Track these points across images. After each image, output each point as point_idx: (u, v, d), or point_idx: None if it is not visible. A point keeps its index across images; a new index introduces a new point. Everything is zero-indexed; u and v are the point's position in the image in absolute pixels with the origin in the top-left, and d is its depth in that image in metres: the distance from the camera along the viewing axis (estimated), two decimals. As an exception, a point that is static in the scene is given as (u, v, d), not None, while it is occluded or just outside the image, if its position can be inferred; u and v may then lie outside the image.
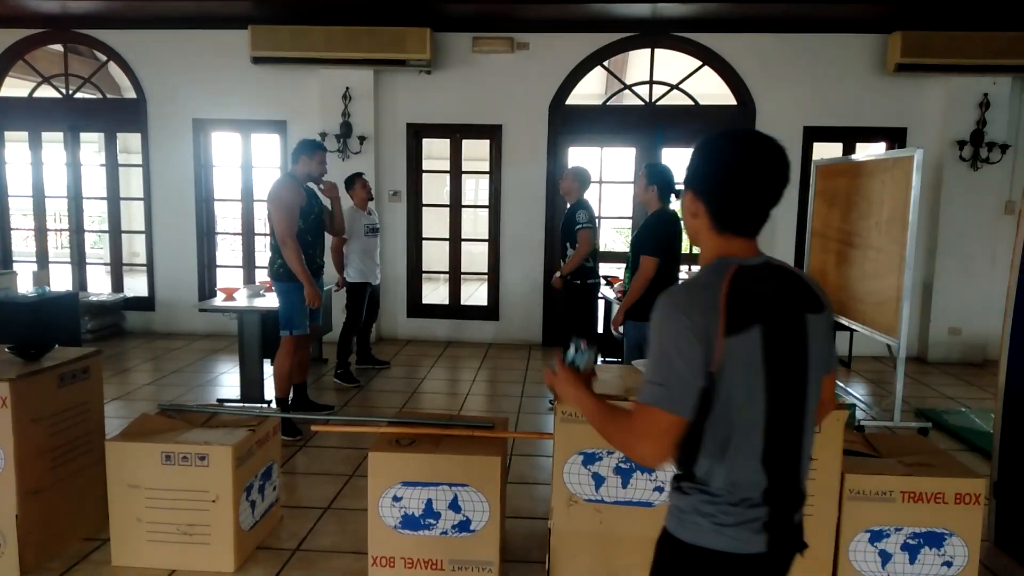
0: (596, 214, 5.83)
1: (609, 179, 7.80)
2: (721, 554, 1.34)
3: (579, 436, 2.66)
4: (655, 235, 3.94)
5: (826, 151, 6.92)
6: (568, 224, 4.94)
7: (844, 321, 5.51)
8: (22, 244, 8.01)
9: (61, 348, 3.15)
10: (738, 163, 1.36)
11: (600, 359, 5.89)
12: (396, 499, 2.79)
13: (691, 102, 6.96)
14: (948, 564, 2.66)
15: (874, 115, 6.76)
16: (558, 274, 5.05)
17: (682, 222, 1.43)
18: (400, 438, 2.92)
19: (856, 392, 5.74)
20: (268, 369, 5.07)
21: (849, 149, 6.95)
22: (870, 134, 6.91)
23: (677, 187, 4.01)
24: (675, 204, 4.05)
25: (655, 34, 6.84)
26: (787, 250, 6.93)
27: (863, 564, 2.69)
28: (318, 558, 3.01)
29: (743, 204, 1.37)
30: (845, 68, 6.71)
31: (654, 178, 3.97)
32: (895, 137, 6.82)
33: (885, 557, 2.67)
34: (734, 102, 6.88)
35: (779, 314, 1.34)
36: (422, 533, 2.79)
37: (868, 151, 6.89)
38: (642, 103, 7.04)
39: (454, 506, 2.77)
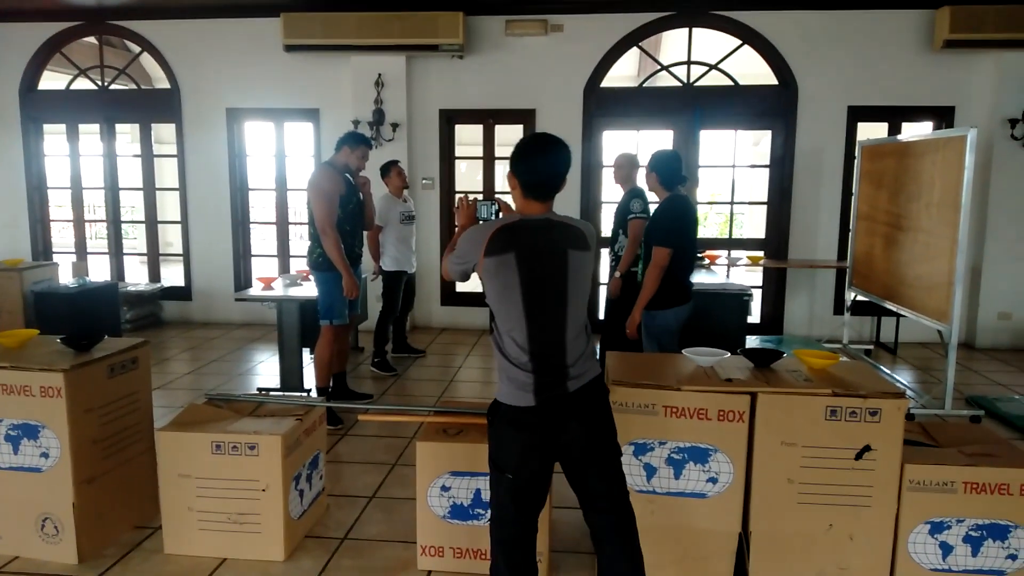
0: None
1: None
2: (509, 405, 2.09)
3: (630, 426, 2.61)
4: (664, 224, 3.78)
5: (871, 131, 6.73)
6: (622, 212, 4.83)
7: (891, 306, 5.36)
8: (57, 235, 8.12)
9: (110, 339, 3.17)
10: (528, 156, 2.15)
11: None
12: (445, 489, 2.78)
13: (730, 82, 6.80)
14: (1013, 557, 2.57)
15: (921, 94, 6.55)
16: (617, 273, 4.81)
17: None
18: (447, 427, 2.90)
19: (903, 379, 5.59)
20: (307, 358, 5.09)
21: (895, 129, 6.75)
22: (916, 113, 6.70)
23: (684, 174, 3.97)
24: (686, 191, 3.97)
25: (693, 13, 6.68)
26: (831, 233, 6.78)
27: (923, 556, 2.60)
28: (366, 547, 3.01)
29: (533, 182, 2.14)
30: (890, 45, 6.50)
31: (653, 165, 3.87)
32: (942, 116, 6.60)
33: (946, 549, 2.59)
34: (775, 82, 6.71)
35: (532, 247, 2.08)
36: (471, 523, 2.78)
37: (914, 131, 6.68)
38: (680, 84, 6.89)
39: (503, 496, 2.73)
